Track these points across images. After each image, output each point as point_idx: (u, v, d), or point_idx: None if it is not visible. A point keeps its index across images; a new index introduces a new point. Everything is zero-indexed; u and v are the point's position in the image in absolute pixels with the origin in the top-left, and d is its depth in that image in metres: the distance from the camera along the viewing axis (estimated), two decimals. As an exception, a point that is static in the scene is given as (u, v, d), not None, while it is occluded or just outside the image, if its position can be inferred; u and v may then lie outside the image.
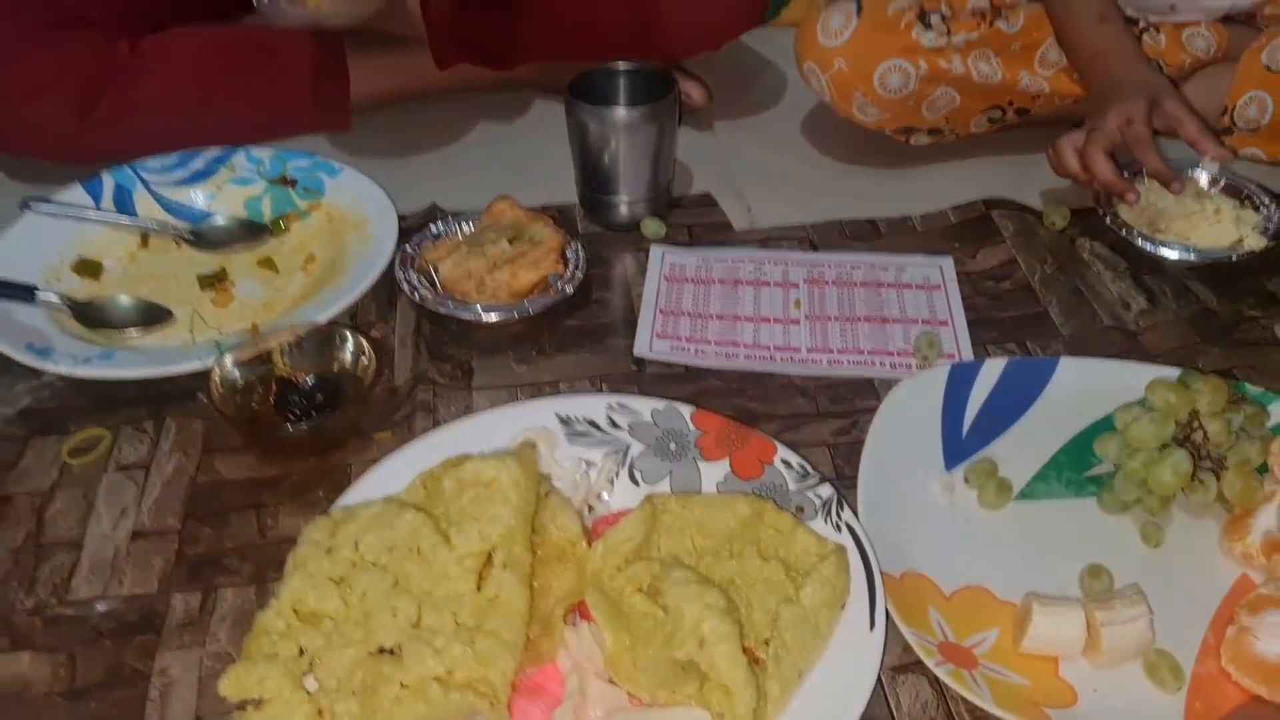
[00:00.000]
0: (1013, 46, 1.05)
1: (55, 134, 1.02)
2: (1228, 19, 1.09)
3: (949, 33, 1.02)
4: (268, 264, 0.95)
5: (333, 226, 0.97)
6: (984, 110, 1.08)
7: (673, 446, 0.73)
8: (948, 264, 0.96)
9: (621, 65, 1.00)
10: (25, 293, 0.88)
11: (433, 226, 0.96)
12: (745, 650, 0.58)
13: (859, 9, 1.03)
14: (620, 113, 0.94)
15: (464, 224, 0.96)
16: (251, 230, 0.98)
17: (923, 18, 1.02)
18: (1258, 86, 1.04)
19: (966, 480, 0.74)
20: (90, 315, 0.88)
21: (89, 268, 0.94)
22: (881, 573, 0.65)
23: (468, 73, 1.16)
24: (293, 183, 1.01)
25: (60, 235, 0.95)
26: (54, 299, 0.88)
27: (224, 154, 1.03)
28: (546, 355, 0.87)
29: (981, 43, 1.04)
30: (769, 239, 1.00)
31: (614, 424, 0.75)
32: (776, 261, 0.97)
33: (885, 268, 0.96)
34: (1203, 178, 1.00)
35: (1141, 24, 1.08)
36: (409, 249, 0.94)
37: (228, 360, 0.78)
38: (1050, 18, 1.04)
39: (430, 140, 1.16)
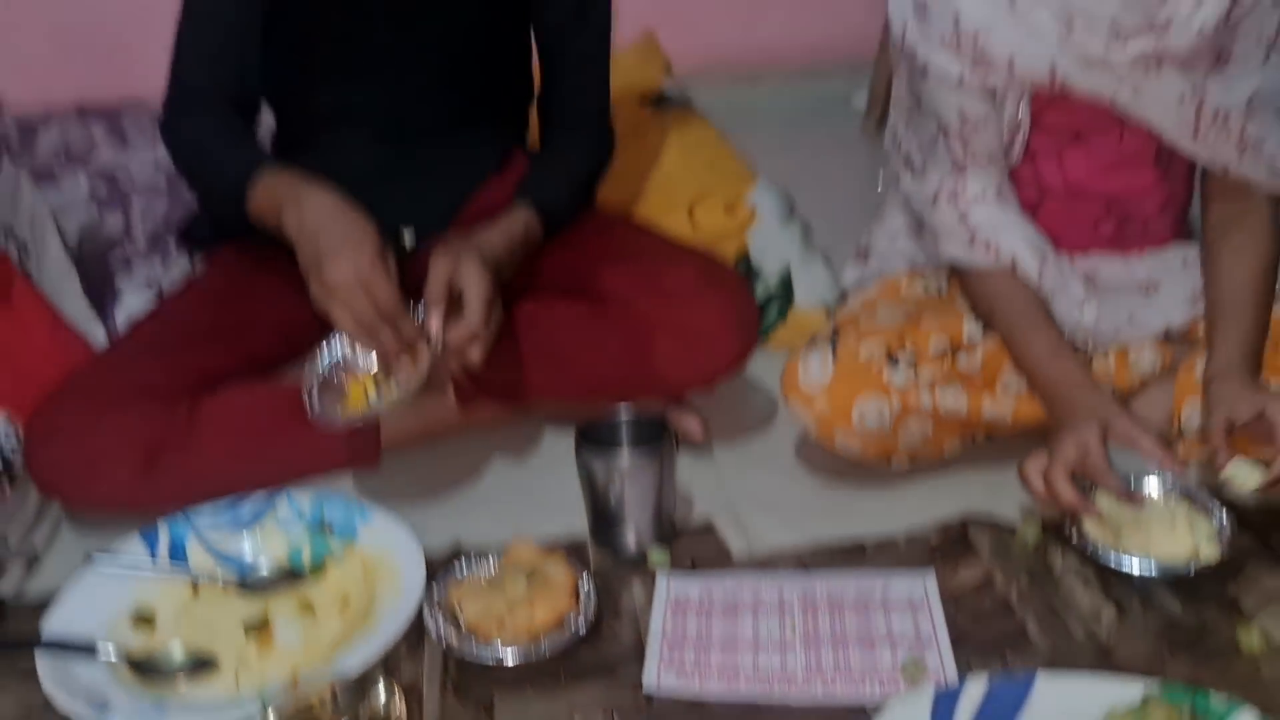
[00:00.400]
0: (974, 380, 1.17)
1: (119, 491, 1.14)
2: (1167, 337, 1.22)
3: (916, 372, 1.15)
4: (306, 608, 1.04)
5: (366, 570, 1.07)
6: (956, 437, 1.19)
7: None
8: (931, 581, 1.05)
9: (624, 411, 1.12)
10: (87, 651, 0.96)
11: (456, 566, 1.05)
12: None
13: (834, 354, 1.16)
14: (624, 456, 1.05)
15: (485, 562, 1.06)
16: (292, 576, 1.07)
17: (891, 360, 1.15)
18: (1195, 394, 1.14)
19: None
20: (143, 667, 0.97)
21: (145, 619, 1.03)
22: None
23: (485, 410, 1.29)
24: (330, 528, 1.11)
25: (120, 588, 1.05)
26: (112, 656, 0.96)
27: (268, 501, 1.14)
28: (563, 688, 0.94)
29: (945, 379, 1.16)
30: (765, 563, 1.09)
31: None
32: (772, 586, 1.05)
33: (873, 587, 1.04)
34: (1154, 486, 1.10)
35: (1090, 349, 1.21)
36: (435, 588, 1.03)
37: (271, 715, 0.86)
38: (1008, 353, 1.17)
39: (451, 476, 1.27)
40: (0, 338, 1.17)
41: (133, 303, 1.44)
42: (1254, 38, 1.09)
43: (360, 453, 1.24)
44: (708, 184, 1.59)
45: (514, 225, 1.23)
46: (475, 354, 1.11)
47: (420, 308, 1.10)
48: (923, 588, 1.04)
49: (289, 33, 1.27)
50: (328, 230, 1.08)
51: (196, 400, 1.19)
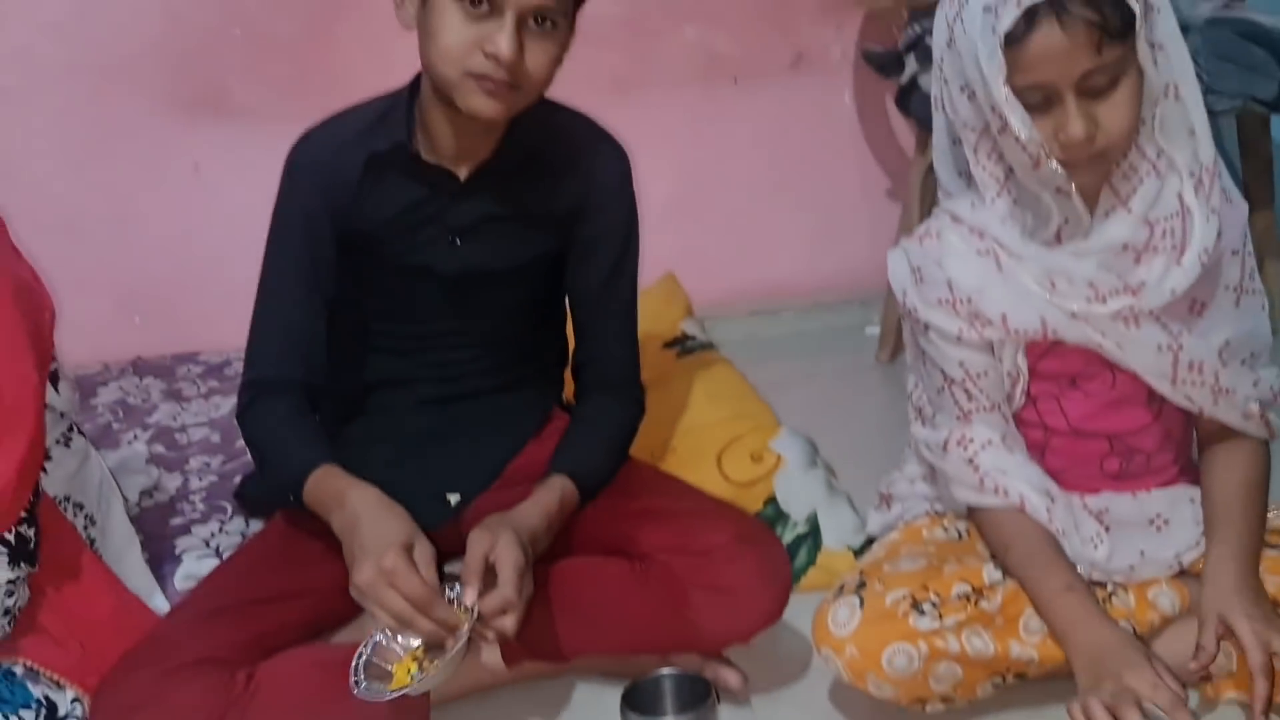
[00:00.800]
0: (997, 621, 1.22)
1: (180, 762, 1.18)
2: (1181, 571, 1.26)
3: (940, 617, 1.19)
4: None
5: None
6: (987, 679, 1.22)
7: None
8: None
9: (666, 672, 1.16)
10: None
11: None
12: None
13: (861, 602, 1.21)
14: (668, 720, 1.09)
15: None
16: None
17: (916, 606, 1.20)
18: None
19: None
20: None
21: None
22: None
23: (528, 667, 1.34)
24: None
25: None
26: None
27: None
28: None
29: (970, 621, 1.20)
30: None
31: None
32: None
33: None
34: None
35: (1109, 587, 1.25)
36: None
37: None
38: (1024, 591, 1.22)
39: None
40: (68, 611, 1.22)
41: (192, 566, 1.51)
42: (1221, 286, 1.20)
43: (410, 715, 1.28)
44: (734, 433, 1.67)
45: (549, 498, 1.30)
46: (509, 623, 1.17)
47: (457, 584, 1.18)
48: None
49: (349, 319, 1.40)
50: (359, 533, 1.19)
51: (254, 668, 1.23)
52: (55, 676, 1.19)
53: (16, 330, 1.12)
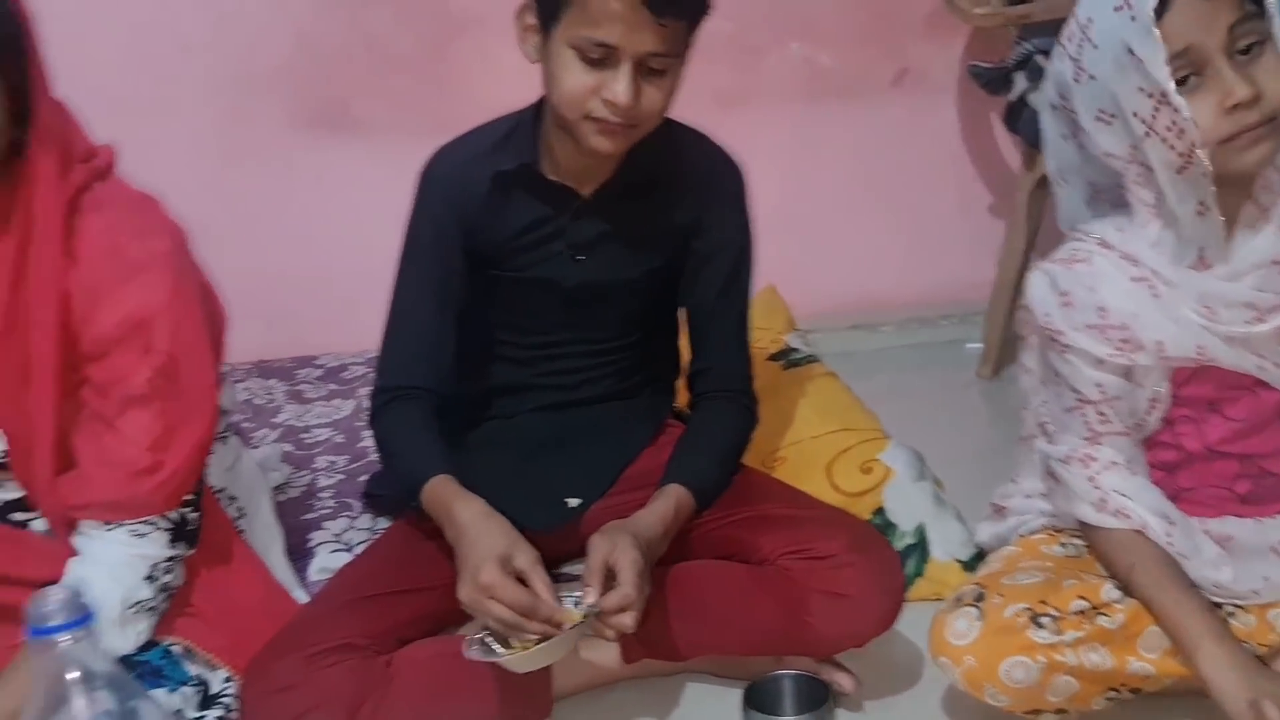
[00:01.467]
0: (1116, 638, 1.23)
1: (323, 741, 1.25)
2: None
3: (1059, 631, 1.21)
4: None
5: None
6: (1102, 692, 1.24)
7: None
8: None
9: (787, 673, 1.21)
10: None
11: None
12: None
13: (980, 614, 1.23)
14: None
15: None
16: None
17: (1035, 620, 1.22)
18: None
19: None
20: None
21: None
22: None
23: (644, 665, 1.39)
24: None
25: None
26: None
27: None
28: None
29: (1089, 638, 1.22)
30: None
31: None
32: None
33: None
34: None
35: (1228, 608, 1.26)
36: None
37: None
38: (1150, 609, 1.23)
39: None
40: (221, 596, 1.30)
41: (325, 560, 1.59)
42: None
43: (534, 703, 1.34)
44: (843, 444, 1.71)
45: (666, 506, 1.35)
46: (628, 620, 1.22)
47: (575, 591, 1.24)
48: None
49: (474, 328, 1.47)
50: (460, 548, 1.25)
51: (391, 655, 1.31)
52: (209, 656, 1.27)
53: (201, 329, 1.20)
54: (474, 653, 1.21)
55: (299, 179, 2.54)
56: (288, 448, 1.91)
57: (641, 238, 1.45)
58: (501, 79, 2.52)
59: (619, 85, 1.25)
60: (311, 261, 2.53)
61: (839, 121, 2.54)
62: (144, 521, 1.19)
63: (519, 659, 1.20)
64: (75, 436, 1.18)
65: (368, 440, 1.94)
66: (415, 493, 1.34)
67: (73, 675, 0.81)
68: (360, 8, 2.50)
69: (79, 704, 0.81)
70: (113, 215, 1.16)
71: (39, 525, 1.23)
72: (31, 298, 1.12)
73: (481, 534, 1.25)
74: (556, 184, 1.41)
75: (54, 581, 1.17)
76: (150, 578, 1.20)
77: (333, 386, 2.24)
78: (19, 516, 1.24)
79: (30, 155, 1.09)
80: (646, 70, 1.26)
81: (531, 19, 1.31)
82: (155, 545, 1.20)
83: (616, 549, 1.24)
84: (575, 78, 1.26)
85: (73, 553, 1.20)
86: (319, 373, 2.32)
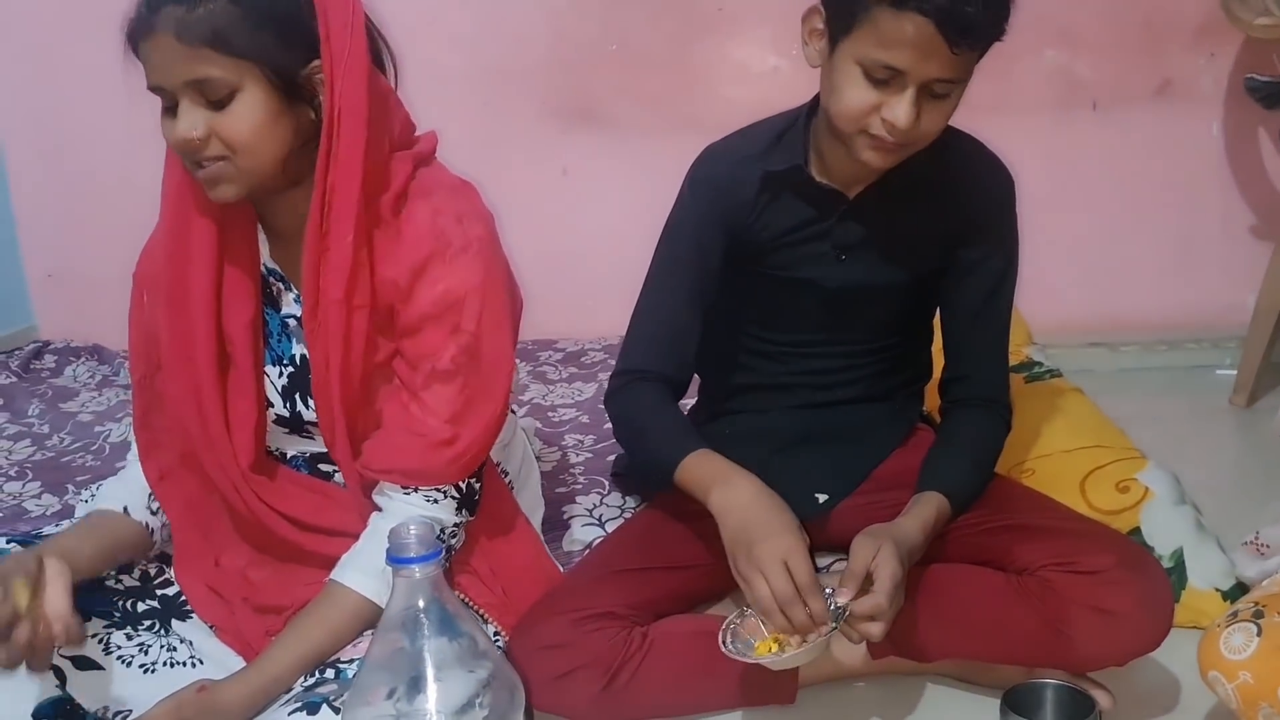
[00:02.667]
0: None
1: (583, 702, 1.31)
2: None
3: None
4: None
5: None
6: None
7: None
8: None
9: (1049, 681, 1.19)
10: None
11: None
12: None
13: (1259, 630, 1.19)
14: (1050, 729, 1.12)
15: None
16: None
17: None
18: None
19: None
20: None
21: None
22: None
23: (887, 663, 1.40)
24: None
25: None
26: None
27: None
28: None
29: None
30: None
31: None
32: None
33: None
34: None
35: None
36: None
37: None
38: None
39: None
40: (496, 558, 1.38)
41: (578, 532, 1.67)
42: None
43: (779, 690, 1.37)
44: (1097, 461, 1.67)
45: (926, 513, 1.35)
46: (876, 629, 1.22)
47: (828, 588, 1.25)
48: None
49: (729, 325, 1.50)
50: (755, 514, 1.27)
51: (647, 627, 1.36)
52: (482, 611, 1.35)
53: (505, 312, 1.27)
54: (731, 650, 1.24)
55: (546, 170, 2.66)
56: (537, 424, 2.01)
57: (907, 242, 1.46)
58: (745, 79, 2.60)
59: (901, 109, 1.24)
60: (554, 249, 2.64)
61: (1094, 132, 2.48)
62: (437, 489, 1.27)
63: (779, 660, 1.22)
64: (385, 404, 1.27)
65: (612, 422, 2.02)
66: (669, 465, 1.38)
67: (424, 602, 0.89)
68: (614, 7, 2.59)
69: (428, 628, 0.89)
70: (437, 199, 1.23)
71: (340, 478, 1.34)
72: (344, 279, 1.19)
73: (774, 506, 1.28)
74: (824, 186, 1.42)
75: (352, 533, 1.28)
76: (439, 540, 1.28)
77: (573, 369, 2.33)
78: (325, 468, 1.36)
79: (340, 141, 1.16)
80: (930, 94, 1.26)
81: (819, 25, 1.31)
82: (445, 511, 1.28)
83: (879, 556, 1.25)
84: (857, 94, 1.26)
85: (369, 507, 1.30)
86: (559, 356, 2.43)
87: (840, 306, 1.48)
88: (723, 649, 1.24)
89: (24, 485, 1.92)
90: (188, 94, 1.13)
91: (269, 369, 1.31)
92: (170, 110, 1.15)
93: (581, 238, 2.62)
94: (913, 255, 1.47)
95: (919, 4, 1.18)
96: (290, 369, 1.30)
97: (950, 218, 1.45)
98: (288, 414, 1.31)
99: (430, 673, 0.91)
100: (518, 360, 2.39)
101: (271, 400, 1.31)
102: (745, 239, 1.46)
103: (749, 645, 1.26)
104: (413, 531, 0.90)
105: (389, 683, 0.91)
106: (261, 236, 1.28)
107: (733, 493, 1.31)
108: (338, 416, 1.25)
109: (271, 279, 1.30)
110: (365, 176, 1.18)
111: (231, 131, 1.13)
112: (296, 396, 1.31)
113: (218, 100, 1.13)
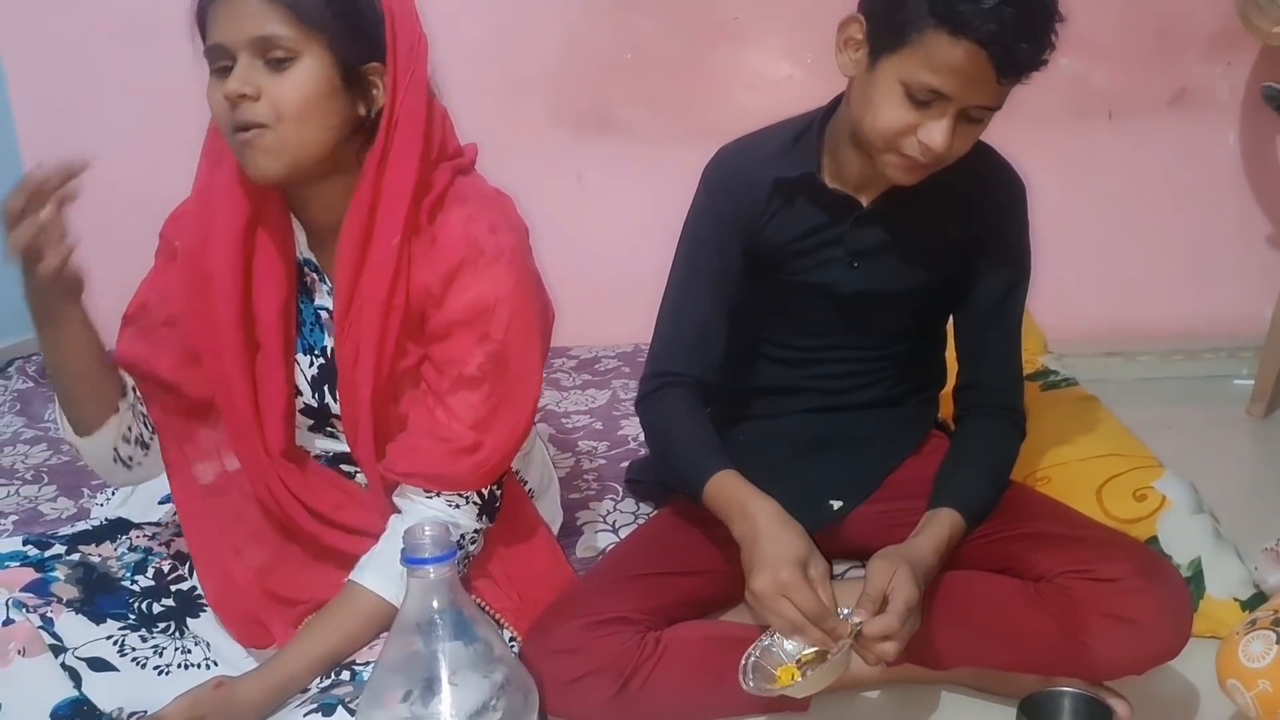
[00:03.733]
0: None
1: (596, 706, 1.30)
2: None
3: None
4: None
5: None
6: None
7: None
8: None
9: (1067, 689, 1.19)
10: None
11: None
12: None
13: (1278, 639, 1.18)
14: (1069, 735, 1.11)
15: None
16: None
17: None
18: None
19: None
20: None
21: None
22: None
23: (902, 671, 1.39)
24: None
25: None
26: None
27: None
28: None
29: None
30: None
31: None
32: None
33: None
34: None
35: None
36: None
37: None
38: None
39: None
40: (513, 564, 1.38)
41: (590, 538, 1.67)
42: None
43: (792, 698, 1.36)
44: (1114, 469, 1.66)
45: (940, 533, 1.35)
46: (889, 650, 1.22)
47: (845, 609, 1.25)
48: None
49: (744, 327, 1.50)
50: (759, 544, 1.27)
51: (660, 632, 1.36)
52: (497, 615, 1.35)
53: (534, 322, 1.28)
54: (751, 684, 1.24)
55: (561, 177, 2.67)
56: (550, 430, 2.01)
57: (921, 249, 1.45)
58: (759, 86, 2.60)
59: (939, 133, 1.24)
60: (566, 256, 2.62)
61: (1109, 141, 2.47)
62: (459, 494, 1.27)
63: (800, 686, 1.23)
64: (411, 407, 1.27)
65: (626, 429, 2.02)
66: (696, 483, 1.38)
67: (439, 604, 0.89)
68: (628, 15, 2.60)
69: (443, 631, 0.89)
70: (472, 208, 1.24)
71: (362, 479, 1.34)
72: (388, 280, 1.21)
73: (782, 535, 1.28)
74: (838, 192, 1.42)
75: (373, 532, 1.28)
76: (459, 546, 1.28)
77: (586, 376, 2.33)
78: (348, 469, 1.36)
79: (394, 147, 1.18)
80: (966, 118, 1.26)
81: (858, 35, 1.30)
82: (466, 517, 1.28)
83: (895, 579, 1.24)
84: (896, 113, 1.26)
85: (390, 507, 1.30)
86: (573, 363, 2.42)
87: (854, 312, 1.48)
88: (744, 686, 1.24)
89: (40, 489, 1.92)
90: (249, 50, 1.14)
91: (300, 357, 1.32)
92: (222, 71, 1.15)
93: (596, 245, 2.62)
94: (926, 262, 1.46)
95: (976, 33, 1.18)
96: (321, 360, 1.31)
97: (963, 225, 1.45)
98: (315, 405, 1.32)
99: (445, 675, 0.91)
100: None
101: (300, 389, 1.32)
102: (758, 241, 1.46)
103: (771, 675, 1.26)
104: (427, 532, 0.90)
105: (404, 685, 0.91)
106: (299, 227, 1.29)
107: (747, 521, 1.31)
108: (363, 414, 1.26)
109: (307, 269, 1.31)
110: (416, 185, 1.19)
111: (284, 96, 1.14)
112: (325, 389, 1.31)
113: (278, 61, 1.14)
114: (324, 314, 1.31)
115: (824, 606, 1.22)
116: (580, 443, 1.98)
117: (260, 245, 1.25)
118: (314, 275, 1.31)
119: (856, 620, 1.22)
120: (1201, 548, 1.55)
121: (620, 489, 1.79)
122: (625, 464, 1.84)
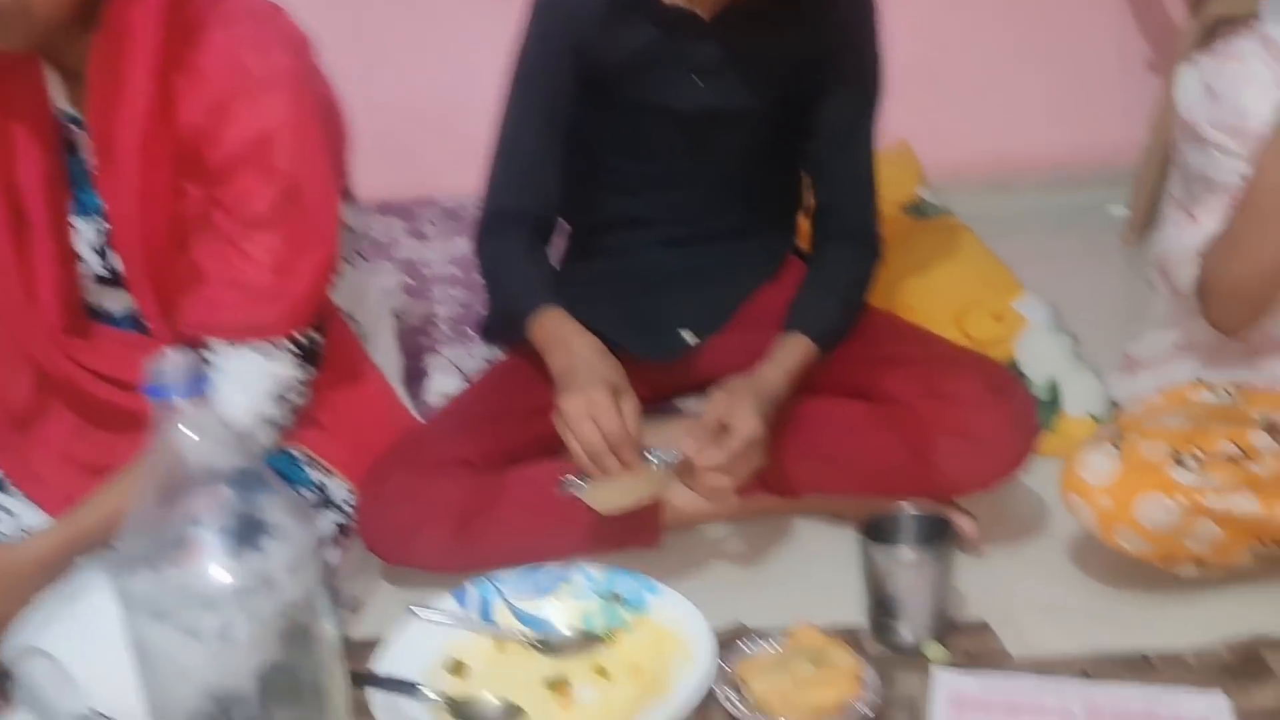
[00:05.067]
0: (1268, 486, 1.15)
1: (434, 551, 1.27)
2: None
3: (1204, 473, 1.14)
4: (601, 672, 1.12)
5: (656, 640, 1.14)
6: (1247, 544, 1.17)
7: None
8: (1223, 703, 1.02)
9: (907, 509, 1.16)
10: (410, 688, 1.07)
11: (742, 644, 1.11)
12: None
13: (1119, 455, 1.16)
14: (907, 553, 1.09)
15: (769, 643, 1.11)
16: (588, 640, 1.16)
17: (1178, 459, 1.14)
18: None
19: None
20: (461, 711, 1.07)
21: (457, 667, 1.13)
22: None
23: (763, 501, 1.36)
24: (621, 599, 1.20)
25: (436, 639, 1.15)
26: (433, 696, 1.07)
27: (564, 571, 1.23)
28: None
29: (1235, 484, 1.14)
30: (1043, 667, 1.10)
31: None
32: (1052, 691, 1.06)
33: (1160, 704, 1.03)
34: None
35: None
36: (721, 663, 1.09)
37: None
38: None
39: (730, 561, 1.34)
40: (345, 411, 1.31)
41: (440, 382, 1.60)
42: None
43: (642, 533, 1.33)
44: (975, 292, 1.63)
45: (791, 360, 1.32)
46: (722, 482, 1.20)
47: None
48: (1217, 710, 1.02)
49: (587, 158, 1.42)
50: (576, 370, 1.24)
51: (501, 474, 1.31)
52: (328, 465, 1.29)
53: (323, 149, 1.18)
54: (566, 487, 1.23)
55: (421, 19, 2.50)
56: (407, 280, 1.92)
57: (766, 64, 1.38)
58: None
59: None
60: (433, 102, 2.50)
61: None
62: (270, 342, 1.19)
63: (600, 496, 1.20)
64: (204, 256, 1.18)
65: (486, 274, 1.94)
66: (520, 318, 1.34)
67: (188, 447, 0.80)
68: None
69: (194, 486, 0.80)
70: (238, 30, 1.13)
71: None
72: (139, 129, 1.10)
73: (599, 363, 1.25)
74: (675, 6, 1.33)
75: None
76: (281, 397, 1.21)
77: (451, 224, 2.23)
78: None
79: None
80: None
81: None
82: (283, 365, 1.20)
83: (736, 413, 1.21)
84: None
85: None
86: (437, 212, 2.32)
87: (699, 134, 1.40)
88: (559, 490, 1.23)
89: None
90: None
91: (78, 222, 1.20)
92: None
93: (462, 89, 2.46)
94: (774, 78, 1.39)
95: None
96: (105, 224, 1.20)
97: (812, 38, 1.37)
98: (107, 273, 1.21)
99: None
100: (395, 218, 2.30)
101: (83, 255, 1.21)
102: (595, 62, 1.37)
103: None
104: (174, 359, 0.81)
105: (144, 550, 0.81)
106: (56, 79, 1.16)
107: (567, 353, 1.28)
108: (139, 268, 1.16)
109: (69, 124, 1.18)
110: (168, 15, 1.07)
111: None
112: (109, 251, 1.20)
113: None
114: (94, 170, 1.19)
115: (626, 434, 1.19)
116: (435, 289, 1.89)
117: (7, 109, 1.13)
118: (77, 129, 1.18)
119: (688, 451, 1.20)
120: (1058, 366, 1.54)
121: (474, 335, 1.72)
122: (483, 311, 1.76)
